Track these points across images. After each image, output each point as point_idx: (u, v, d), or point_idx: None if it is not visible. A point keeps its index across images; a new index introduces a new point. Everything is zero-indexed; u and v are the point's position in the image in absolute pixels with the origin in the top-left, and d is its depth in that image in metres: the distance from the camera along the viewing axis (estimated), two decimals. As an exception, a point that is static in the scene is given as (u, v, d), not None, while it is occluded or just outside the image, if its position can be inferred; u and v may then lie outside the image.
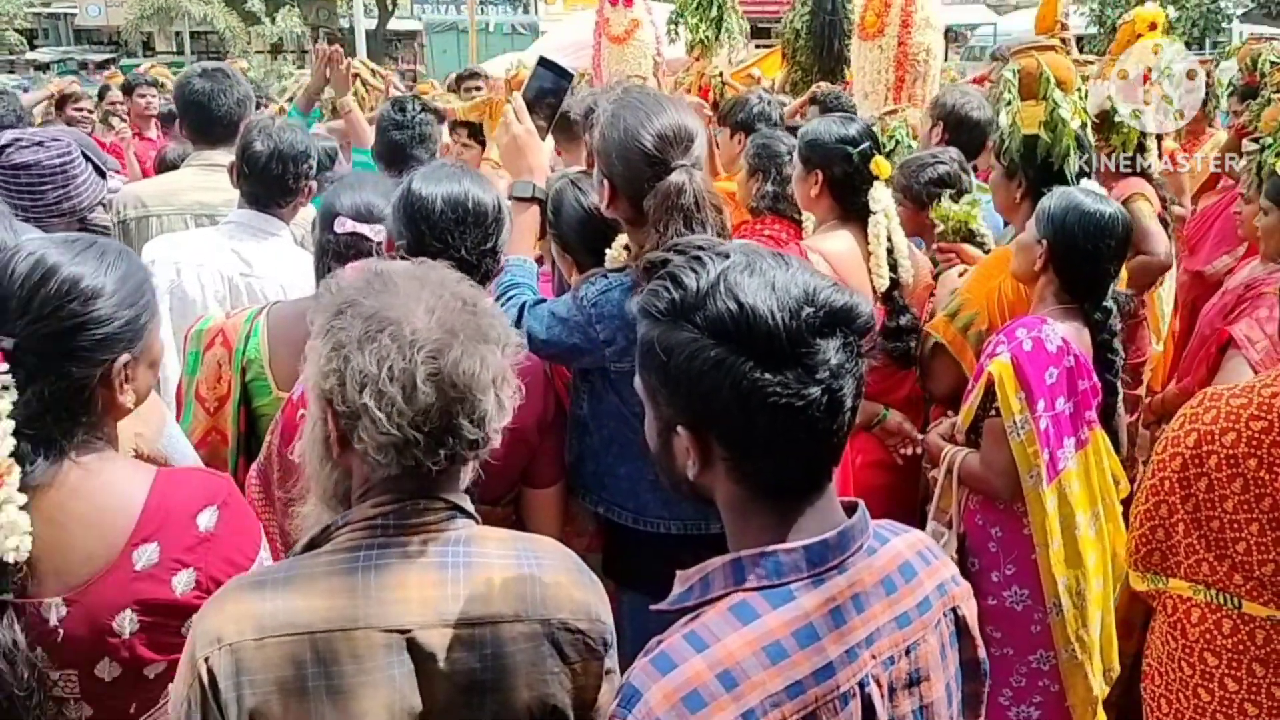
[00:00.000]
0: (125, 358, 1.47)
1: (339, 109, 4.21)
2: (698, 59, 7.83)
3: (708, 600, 1.17)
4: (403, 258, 1.96)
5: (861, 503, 1.23)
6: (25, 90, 10.64)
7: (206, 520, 1.47)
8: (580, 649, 1.34)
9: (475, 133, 5.07)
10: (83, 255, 1.45)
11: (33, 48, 32.79)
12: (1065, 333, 2.53)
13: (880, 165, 2.90)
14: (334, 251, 2.21)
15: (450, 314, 1.27)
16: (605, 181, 2.04)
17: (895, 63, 6.12)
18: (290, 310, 2.24)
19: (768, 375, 1.08)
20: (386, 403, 1.22)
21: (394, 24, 29.31)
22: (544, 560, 1.38)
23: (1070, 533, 2.51)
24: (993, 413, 2.52)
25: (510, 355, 1.33)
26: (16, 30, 31.96)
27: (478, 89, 7.43)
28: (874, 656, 1.17)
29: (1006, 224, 3.42)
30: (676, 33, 8.14)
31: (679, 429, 1.16)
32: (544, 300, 2.18)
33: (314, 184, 2.89)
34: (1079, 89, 3.09)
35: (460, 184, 2.02)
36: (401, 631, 1.25)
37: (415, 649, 1.26)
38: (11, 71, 25.41)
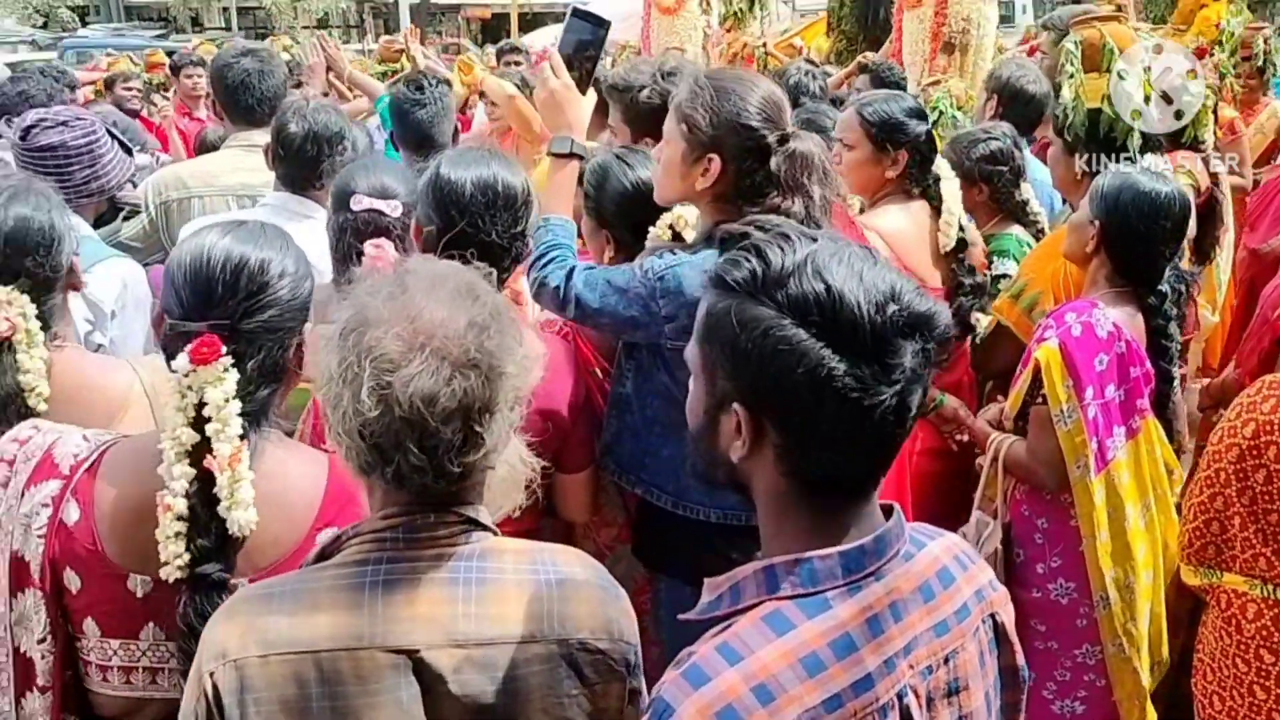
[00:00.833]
0: (308, 327, 1.55)
1: (348, 82, 4.20)
2: (729, 30, 7.75)
3: (739, 610, 1.12)
4: (430, 246, 1.95)
5: (898, 506, 1.18)
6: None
7: None
8: (601, 670, 1.27)
9: None
10: (261, 240, 1.52)
11: (84, 24, 33.31)
12: (1117, 317, 2.44)
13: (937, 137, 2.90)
14: (353, 229, 2.21)
15: (434, 327, 1.18)
16: (715, 157, 2.00)
17: (931, 34, 6.02)
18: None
19: (845, 366, 1.03)
20: (339, 404, 1.19)
21: (438, -3, 29.30)
22: (564, 574, 1.31)
23: (1119, 525, 2.43)
24: (1040, 399, 2.44)
25: (513, 386, 1.23)
26: (69, 7, 32.47)
27: (517, 64, 7.41)
28: (912, 666, 1.13)
29: (1064, 201, 3.32)
30: (710, 4, 8.05)
31: (735, 407, 1.10)
32: (593, 266, 2.14)
33: None
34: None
35: (489, 167, 2.01)
36: (408, 652, 1.20)
37: (423, 670, 1.21)
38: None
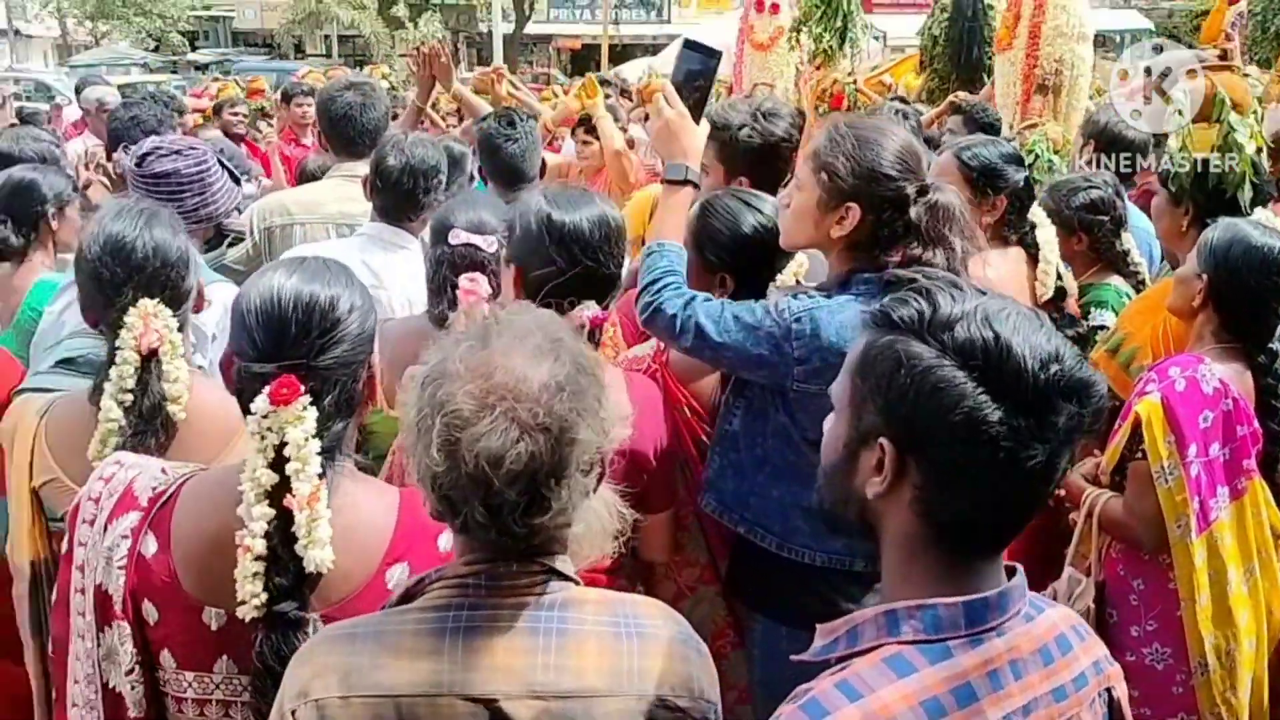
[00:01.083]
0: (375, 356, 1.56)
1: (453, 96, 4.19)
2: (818, 68, 7.71)
3: (856, 652, 1.12)
4: (534, 289, 1.94)
5: (1020, 567, 1.18)
6: (185, 91, 11.25)
7: (446, 541, 1.48)
8: None
9: (593, 130, 5.13)
10: (327, 277, 1.52)
11: (194, 49, 34.70)
12: (1224, 374, 2.35)
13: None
14: (449, 263, 2.27)
15: (507, 387, 1.16)
16: (854, 206, 2.00)
17: (1022, 76, 5.94)
18: (399, 330, 2.27)
19: (1001, 414, 1.04)
20: (414, 452, 1.19)
21: (530, 28, 29.84)
22: (645, 628, 1.29)
23: (1221, 588, 2.33)
24: (1139, 455, 2.36)
25: (586, 451, 1.20)
26: (179, 32, 33.86)
27: (607, 95, 7.50)
28: None
29: (1164, 257, 3.24)
30: (797, 40, 8.05)
31: (880, 442, 1.11)
32: (711, 297, 2.13)
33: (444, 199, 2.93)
34: (1254, 111, 2.90)
35: (596, 205, 2.03)
36: (486, 701, 1.20)
37: None
38: (174, 71, 26.90)
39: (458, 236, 2.28)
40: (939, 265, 1.94)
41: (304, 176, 4.60)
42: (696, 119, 2.27)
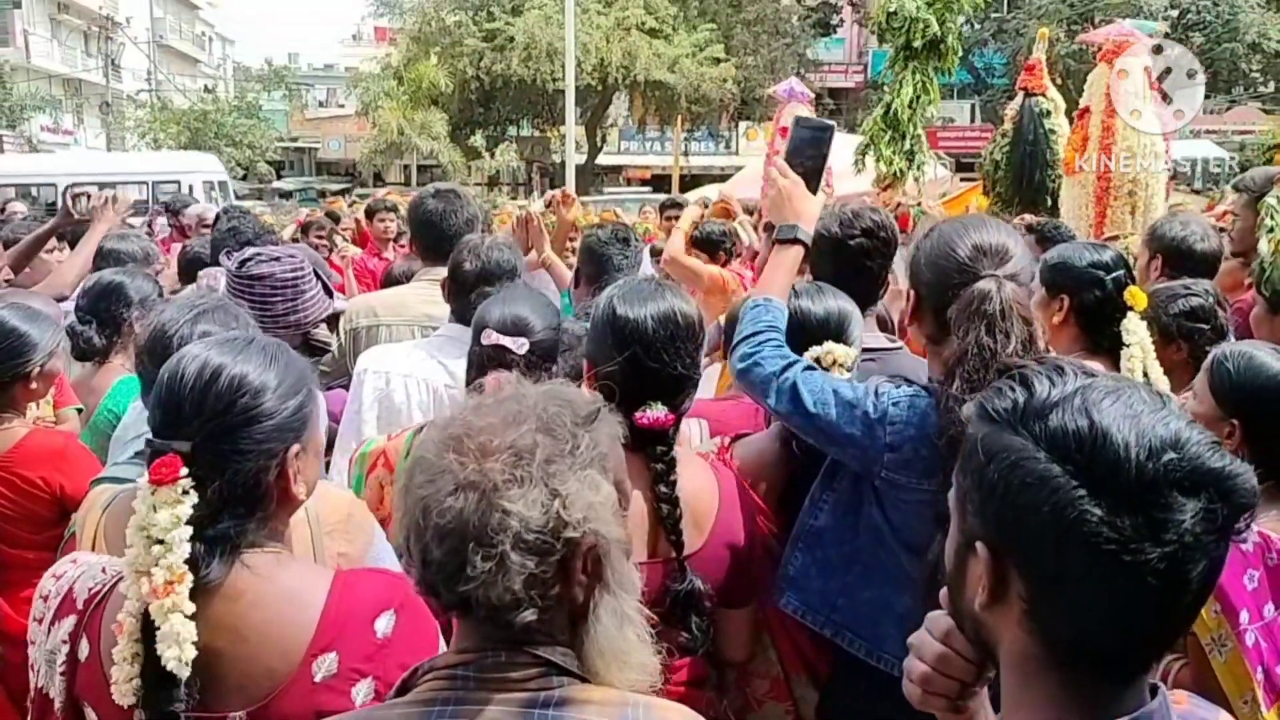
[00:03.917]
0: (295, 447, 1.46)
1: (543, 263, 4.19)
2: (885, 189, 7.77)
3: None
4: (606, 385, 1.81)
5: (1163, 686, 1.03)
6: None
7: (384, 625, 1.42)
8: None
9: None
10: (245, 353, 1.45)
11: (280, 177, 36.44)
12: (1264, 525, 2.05)
13: (1136, 295, 2.67)
14: (478, 364, 2.24)
15: (463, 442, 1.13)
16: (911, 292, 2.01)
17: (1095, 197, 5.98)
18: None
19: (1100, 513, 0.90)
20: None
21: (602, 159, 30.80)
22: None
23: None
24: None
25: (525, 530, 1.10)
26: (267, 161, 35.63)
27: (677, 217, 7.67)
28: None
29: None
30: (864, 163, 8.11)
31: (977, 547, 1.00)
32: (814, 367, 2.10)
33: None
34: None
35: (666, 300, 1.97)
36: None
37: None
38: (260, 198, 28.15)
39: (489, 337, 2.21)
40: (953, 360, 1.85)
41: (389, 281, 4.75)
42: (812, 189, 2.32)
